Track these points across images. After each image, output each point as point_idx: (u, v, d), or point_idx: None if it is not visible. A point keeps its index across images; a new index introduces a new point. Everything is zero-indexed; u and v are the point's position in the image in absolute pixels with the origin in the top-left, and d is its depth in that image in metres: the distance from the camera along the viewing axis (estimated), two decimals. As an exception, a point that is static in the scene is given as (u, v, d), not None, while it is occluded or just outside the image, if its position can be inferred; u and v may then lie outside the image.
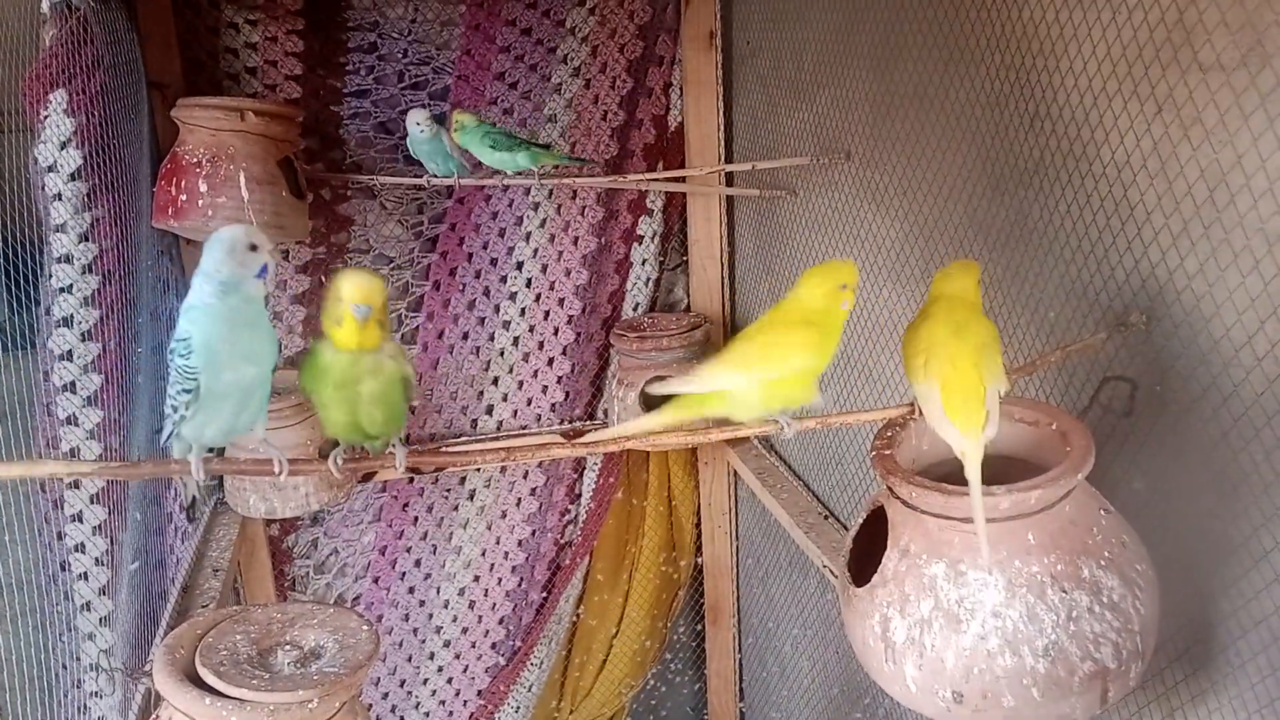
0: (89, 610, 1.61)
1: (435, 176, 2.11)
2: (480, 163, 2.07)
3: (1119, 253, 1.17)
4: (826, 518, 2.05)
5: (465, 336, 2.42)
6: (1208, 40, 1.01)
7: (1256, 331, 1.00)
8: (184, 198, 1.78)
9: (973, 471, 1.00)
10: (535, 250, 2.40)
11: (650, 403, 2.29)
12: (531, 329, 2.46)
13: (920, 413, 1.11)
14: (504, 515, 2.58)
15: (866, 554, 1.14)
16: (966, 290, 1.13)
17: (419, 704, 2.65)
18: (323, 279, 2.29)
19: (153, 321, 1.85)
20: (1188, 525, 1.11)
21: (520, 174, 2.08)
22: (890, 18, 1.63)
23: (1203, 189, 1.04)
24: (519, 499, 2.58)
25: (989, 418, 1.03)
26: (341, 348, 1.02)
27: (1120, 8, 1.12)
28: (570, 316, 2.47)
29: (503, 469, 2.53)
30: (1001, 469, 1.15)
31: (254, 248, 1.02)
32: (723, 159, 2.39)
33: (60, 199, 1.54)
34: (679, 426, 1.14)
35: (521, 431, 2.51)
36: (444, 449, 2.39)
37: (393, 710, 2.63)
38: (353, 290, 0.99)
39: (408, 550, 2.53)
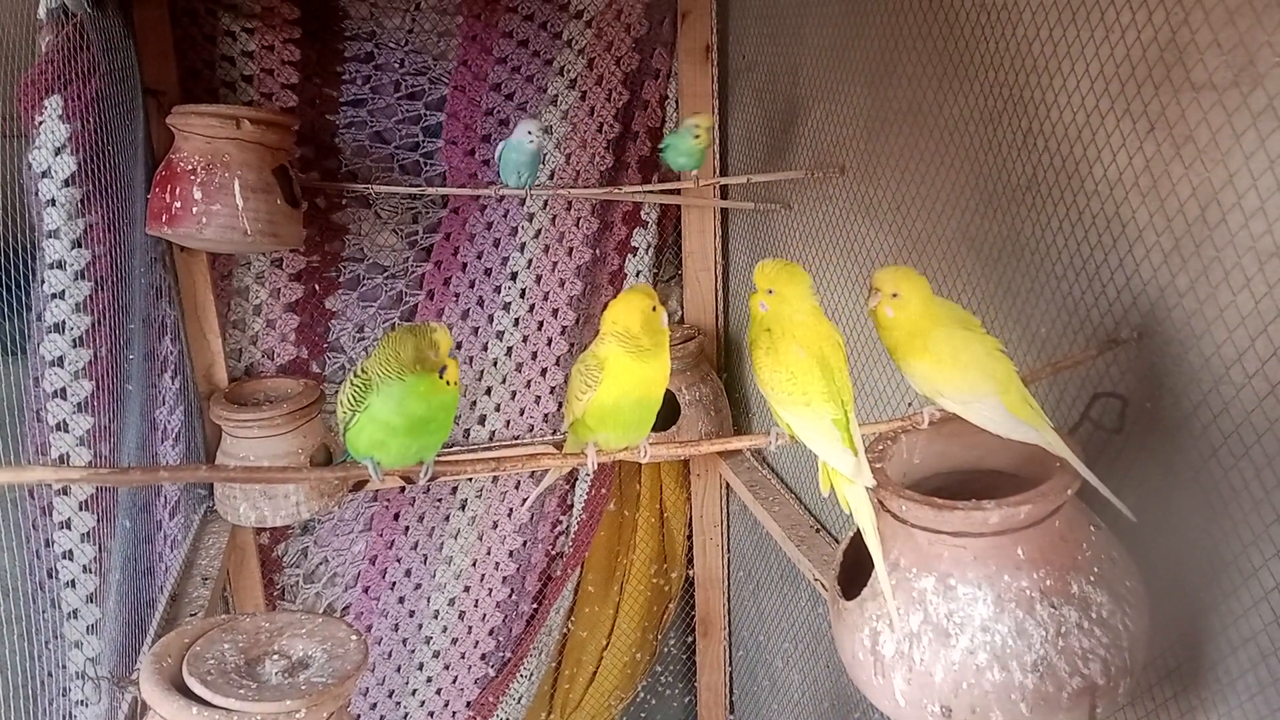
0: (76, 618, 1.60)
1: (505, 186, 2.08)
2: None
3: (1110, 270, 1.18)
4: (818, 531, 2.05)
5: (459, 346, 2.41)
6: (1200, 60, 1.02)
7: (1247, 349, 1.00)
8: (178, 205, 1.77)
9: None
10: (530, 261, 2.40)
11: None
12: (525, 339, 2.46)
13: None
14: (495, 525, 2.57)
15: (857, 567, 1.14)
16: None
17: (407, 715, 2.64)
18: (316, 287, 2.28)
19: (145, 328, 1.85)
20: (1177, 542, 1.11)
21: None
22: (885, 35, 1.64)
23: (1194, 207, 1.05)
24: (511, 509, 2.57)
25: None
26: (437, 391, 1.09)
27: (1114, 27, 1.13)
28: (564, 327, 2.47)
29: (495, 479, 2.52)
30: (991, 484, 1.15)
31: None
32: (718, 172, 2.40)
33: (54, 204, 1.54)
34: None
35: (514, 441, 2.51)
36: (438, 459, 2.38)
37: (381, 721, 2.62)
38: (446, 337, 1.10)
39: (398, 560, 2.52)
